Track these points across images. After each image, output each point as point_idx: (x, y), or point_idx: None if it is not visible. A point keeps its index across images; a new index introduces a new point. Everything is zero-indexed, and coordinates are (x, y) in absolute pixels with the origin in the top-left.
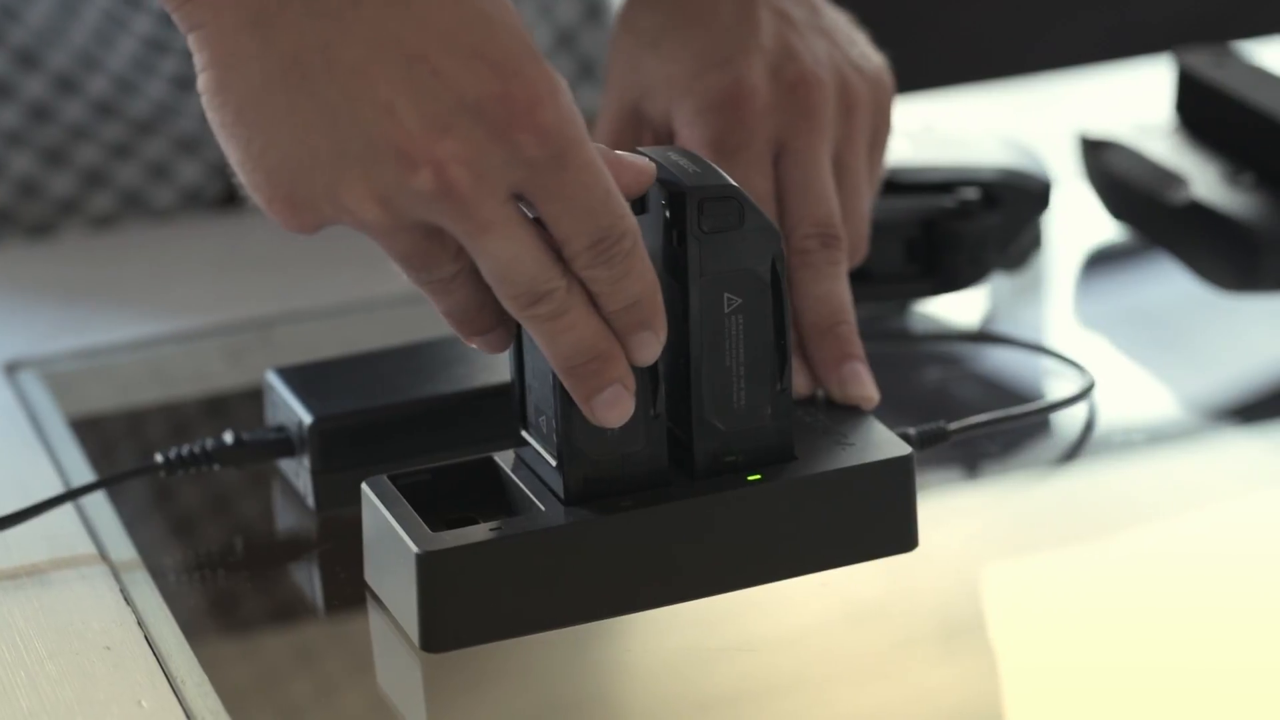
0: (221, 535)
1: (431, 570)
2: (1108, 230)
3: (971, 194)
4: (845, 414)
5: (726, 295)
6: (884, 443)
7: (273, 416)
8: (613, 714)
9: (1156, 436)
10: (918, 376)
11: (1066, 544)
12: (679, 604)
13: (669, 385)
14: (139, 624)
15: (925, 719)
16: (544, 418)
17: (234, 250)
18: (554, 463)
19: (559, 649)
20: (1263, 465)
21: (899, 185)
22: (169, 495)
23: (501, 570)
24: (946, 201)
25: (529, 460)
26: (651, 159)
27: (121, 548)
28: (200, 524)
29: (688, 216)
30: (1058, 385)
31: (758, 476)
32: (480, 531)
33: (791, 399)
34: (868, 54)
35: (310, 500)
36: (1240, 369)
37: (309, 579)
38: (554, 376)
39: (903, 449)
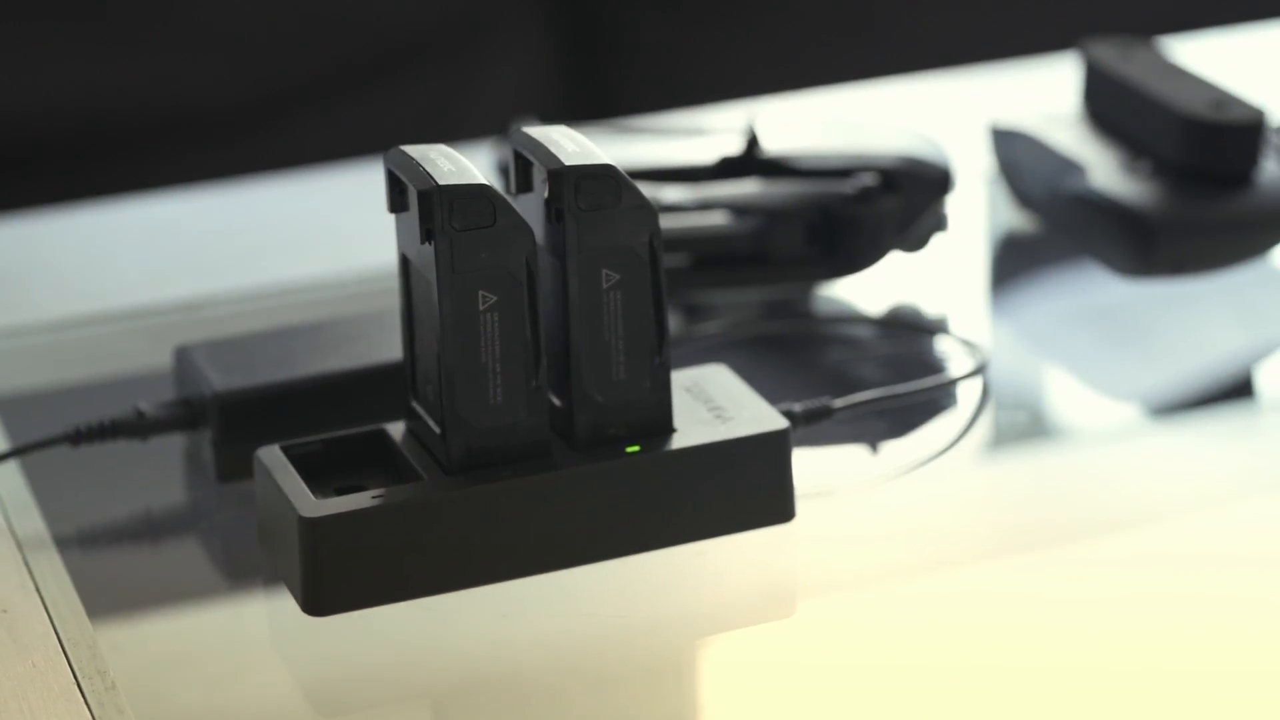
0: (127, 506)
1: (313, 535)
2: (1013, 218)
3: (870, 179)
4: (726, 389)
5: (605, 271)
6: (762, 416)
7: (179, 390)
8: (489, 678)
9: (1048, 417)
10: (816, 358)
11: (944, 519)
12: (556, 571)
13: (551, 358)
14: (36, 590)
15: (796, 690)
16: (430, 387)
17: (161, 233)
18: (439, 431)
19: (444, 615)
20: (1155, 444)
21: (800, 171)
22: (80, 468)
23: (383, 536)
24: (845, 187)
25: (418, 431)
26: (531, 137)
27: (28, 518)
28: (108, 495)
29: (565, 194)
30: (954, 366)
31: (636, 448)
32: (363, 498)
33: (670, 373)
34: None
35: (212, 472)
36: (1136, 351)
37: (207, 548)
38: (438, 345)
39: (780, 423)
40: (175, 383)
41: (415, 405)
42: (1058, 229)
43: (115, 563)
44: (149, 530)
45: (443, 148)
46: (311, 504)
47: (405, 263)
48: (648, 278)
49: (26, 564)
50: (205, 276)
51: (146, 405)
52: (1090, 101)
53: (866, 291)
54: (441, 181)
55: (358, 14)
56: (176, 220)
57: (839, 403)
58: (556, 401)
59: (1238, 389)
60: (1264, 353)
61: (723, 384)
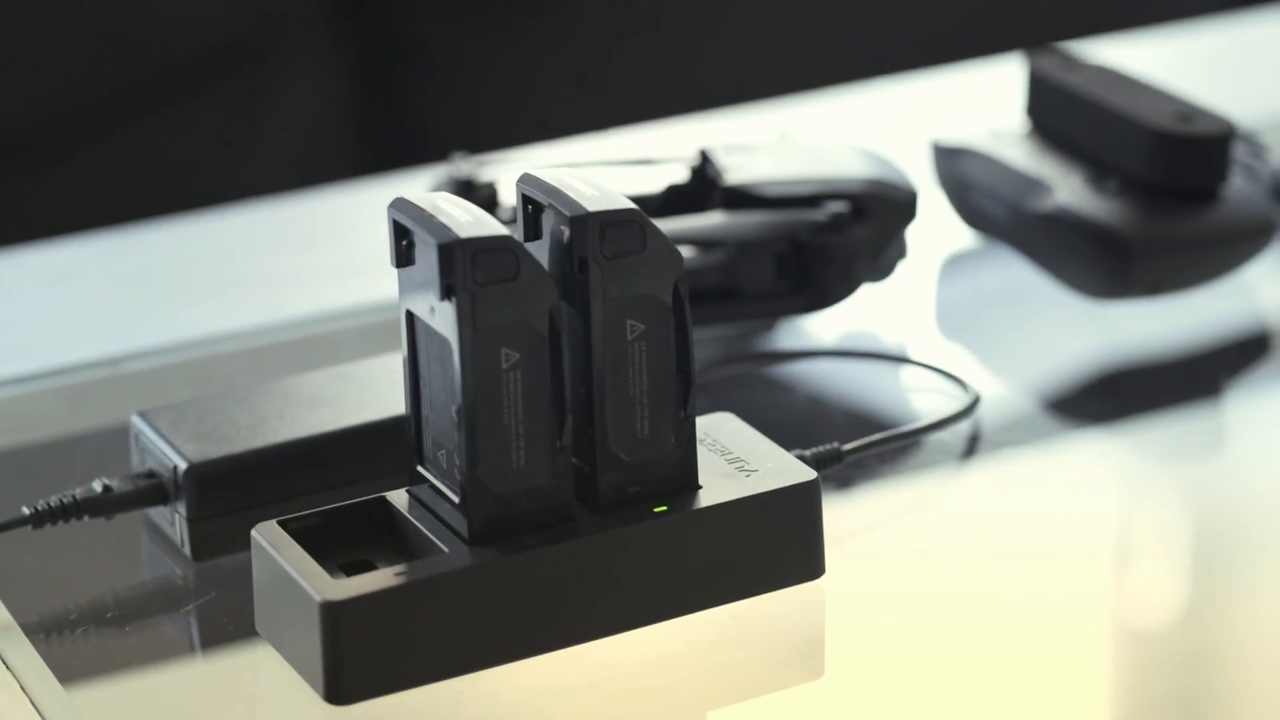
0: (97, 591)
1: (336, 619)
2: (964, 239)
3: (840, 207)
4: (741, 439)
5: (630, 322)
6: (787, 468)
7: (140, 462)
8: None
9: (1040, 446)
10: (790, 396)
11: (967, 560)
12: (587, 642)
13: (572, 416)
14: (21, 689)
15: None
16: (443, 452)
17: (71, 284)
18: (456, 500)
19: (476, 696)
20: (1139, 469)
21: (765, 200)
22: (33, 551)
23: (409, 616)
24: (817, 215)
25: (425, 499)
26: (543, 181)
27: None
28: (73, 580)
29: (589, 241)
30: (931, 399)
31: (664, 508)
32: (385, 577)
33: (695, 426)
34: None
35: (187, 549)
36: (1111, 373)
37: (196, 632)
38: (456, 409)
39: (808, 474)
40: (134, 453)
41: (423, 471)
42: (1017, 250)
43: (98, 655)
44: (128, 616)
45: (448, 195)
46: (331, 586)
47: (410, 319)
48: (672, 326)
49: (4, 660)
50: (112, 331)
51: (115, 480)
52: (1036, 115)
53: (832, 324)
54: (462, 234)
55: (139, 37)
56: (44, 270)
57: (849, 446)
58: (574, 461)
59: (1221, 409)
60: (1241, 371)
61: (735, 433)
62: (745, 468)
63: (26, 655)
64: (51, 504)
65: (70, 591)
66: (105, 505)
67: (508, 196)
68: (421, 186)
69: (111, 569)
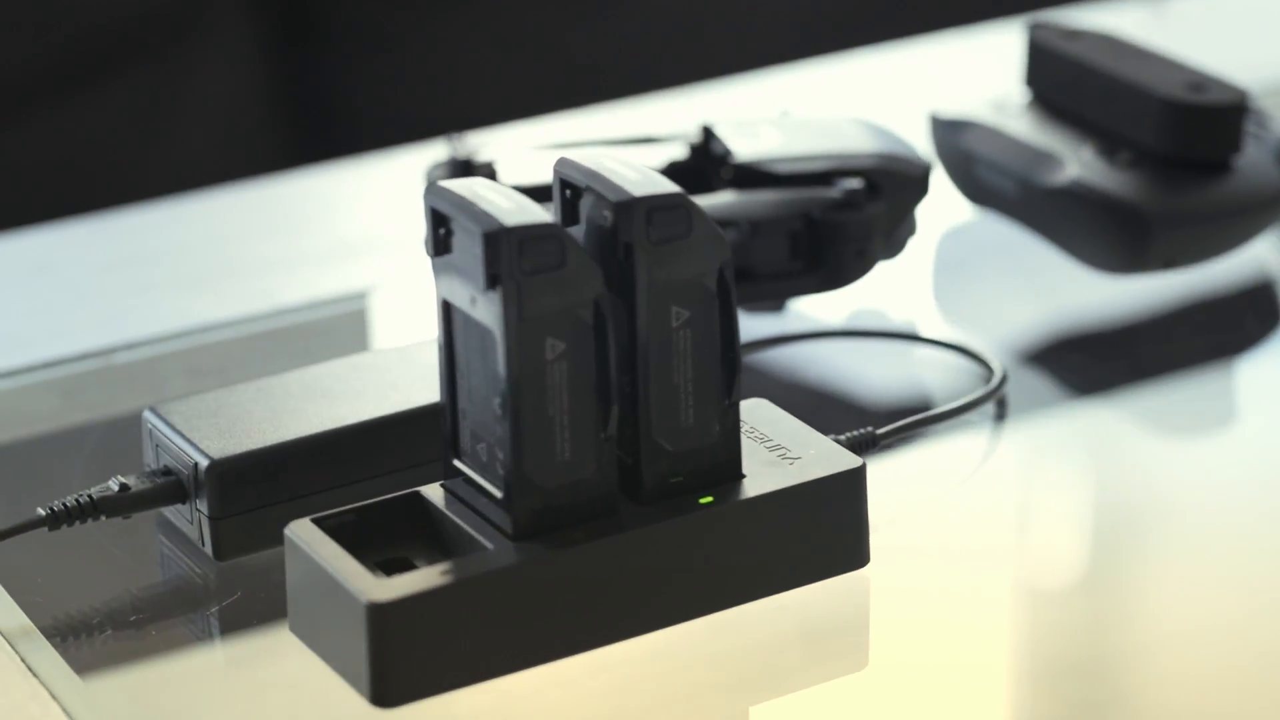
0: (117, 593)
1: (383, 621)
2: (967, 214)
3: (854, 183)
4: (778, 425)
5: (675, 309)
6: (831, 455)
7: (155, 459)
8: None
9: (1064, 422)
10: (806, 379)
11: (1006, 543)
12: (636, 638)
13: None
14: (52, 697)
15: None
16: (483, 446)
17: (50, 275)
18: (499, 494)
19: (507, 694)
20: (1161, 442)
21: (777, 177)
22: (47, 553)
23: (458, 615)
24: (832, 192)
25: (462, 494)
26: (584, 165)
27: (10, 616)
28: (91, 583)
29: (635, 227)
30: (946, 377)
31: (710, 499)
32: (431, 576)
33: (739, 414)
34: None
35: (209, 548)
36: (1128, 346)
37: (224, 635)
38: (500, 399)
39: (853, 461)
40: (147, 450)
41: (460, 465)
42: (1025, 224)
43: (124, 659)
44: (151, 618)
45: (484, 180)
46: (376, 587)
47: (447, 309)
48: (717, 312)
49: (31, 669)
50: (99, 322)
51: (131, 478)
52: (1037, 86)
53: (847, 303)
54: (507, 222)
55: (51, 14)
56: (18, 261)
57: (882, 430)
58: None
59: (1241, 386)
60: (1262, 344)
61: (772, 419)
62: (787, 455)
63: (51, 661)
64: (68, 504)
65: (90, 594)
66: (123, 504)
67: (506, 176)
68: (409, 167)
69: (129, 570)
